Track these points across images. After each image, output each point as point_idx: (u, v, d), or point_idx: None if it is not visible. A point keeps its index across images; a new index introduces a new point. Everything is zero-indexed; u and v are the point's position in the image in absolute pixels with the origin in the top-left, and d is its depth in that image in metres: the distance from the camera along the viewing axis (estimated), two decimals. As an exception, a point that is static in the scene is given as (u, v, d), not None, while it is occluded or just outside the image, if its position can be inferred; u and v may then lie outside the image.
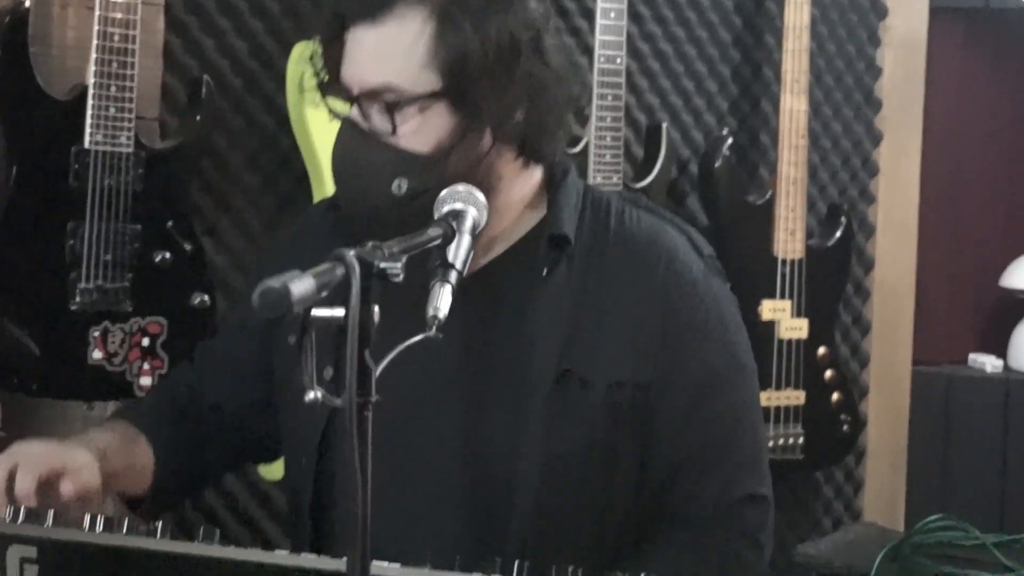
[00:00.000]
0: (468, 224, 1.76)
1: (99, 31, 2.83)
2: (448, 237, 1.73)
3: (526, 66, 1.87)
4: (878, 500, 4.33)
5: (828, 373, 3.90)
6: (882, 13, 4.25)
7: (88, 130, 2.85)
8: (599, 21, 3.47)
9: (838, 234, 3.96)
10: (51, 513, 1.68)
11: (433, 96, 1.85)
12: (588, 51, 3.56)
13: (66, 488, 1.80)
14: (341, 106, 1.96)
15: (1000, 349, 4.55)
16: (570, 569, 1.61)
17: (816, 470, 4.14)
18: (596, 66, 3.47)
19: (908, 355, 4.39)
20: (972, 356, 4.56)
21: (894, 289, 4.34)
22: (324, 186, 3.10)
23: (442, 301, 1.66)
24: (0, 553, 1.64)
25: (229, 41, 3.25)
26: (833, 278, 3.96)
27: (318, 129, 3.10)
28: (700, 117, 3.96)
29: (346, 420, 1.41)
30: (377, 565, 1.46)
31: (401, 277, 1.54)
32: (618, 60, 3.49)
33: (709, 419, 1.96)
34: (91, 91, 2.85)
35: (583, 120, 3.48)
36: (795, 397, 3.79)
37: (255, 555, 1.62)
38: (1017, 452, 4.32)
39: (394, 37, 1.85)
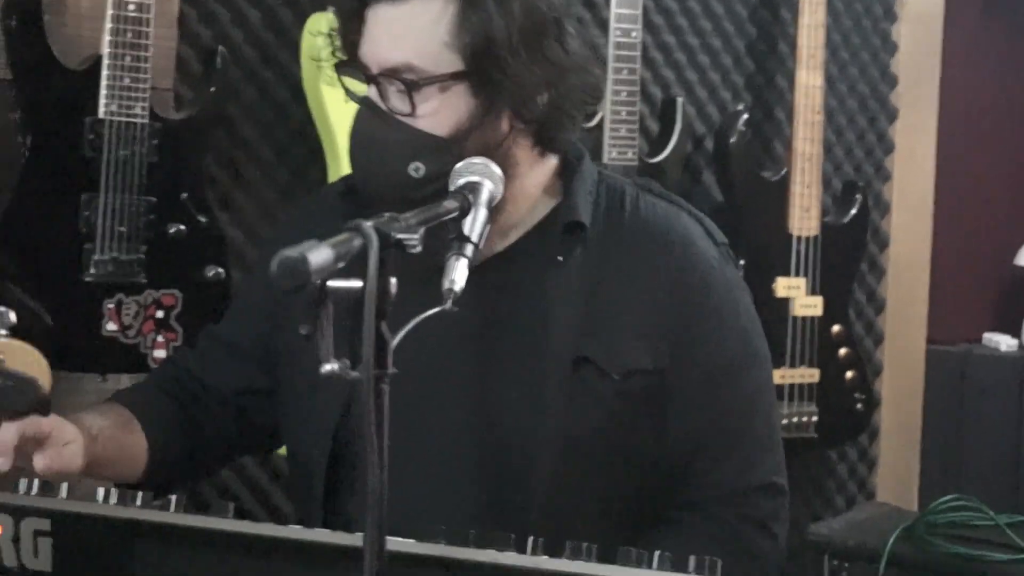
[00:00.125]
0: (484, 197, 1.76)
1: (114, 0, 2.82)
2: (464, 210, 1.72)
3: (547, 51, 1.86)
4: (892, 479, 4.32)
5: (842, 351, 3.89)
6: (898, -12, 4.24)
7: (103, 100, 2.84)
8: (615, -6, 3.46)
9: (853, 211, 3.95)
10: (64, 486, 1.68)
11: (454, 77, 1.84)
12: (603, 25, 3.54)
13: (41, 463, 1.78)
14: (358, 85, 1.94)
15: (1015, 328, 4.54)
16: (584, 546, 1.61)
17: (830, 449, 4.13)
18: (611, 40, 3.46)
19: (923, 333, 4.39)
20: (987, 335, 4.55)
21: (909, 267, 4.33)
22: (339, 159, 3.09)
23: (458, 274, 1.66)
24: (14, 525, 1.64)
25: (243, 11, 3.24)
26: (848, 255, 3.95)
27: (333, 102, 3.09)
28: (715, 92, 3.94)
29: (363, 393, 1.40)
30: (391, 540, 1.45)
31: (419, 248, 1.54)
32: (633, 34, 3.48)
33: (723, 405, 1.97)
34: (105, 61, 2.83)
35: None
36: (809, 375, 3.79)
37: (270, 529, 1.61)
38: (1031, 431, 4.31)
39: (416, 16, 1.84)
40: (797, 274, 3.77)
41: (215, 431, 2.11)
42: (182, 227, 2.96)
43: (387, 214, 1.53)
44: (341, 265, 1.41)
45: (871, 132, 4.24)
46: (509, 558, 1.57)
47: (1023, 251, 4.51)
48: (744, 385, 1.99)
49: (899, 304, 4.32)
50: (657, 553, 1.55)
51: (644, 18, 3.55)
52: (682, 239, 1.97)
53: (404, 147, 1.85)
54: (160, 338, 2.95)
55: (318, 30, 3.04)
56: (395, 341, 1.46)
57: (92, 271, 2.87)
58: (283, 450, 3.15)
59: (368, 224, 1.45)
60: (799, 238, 3.77)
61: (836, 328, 3.86)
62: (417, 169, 1.84)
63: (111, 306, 2.90)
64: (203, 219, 3.00)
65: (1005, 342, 4.48)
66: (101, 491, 1.66)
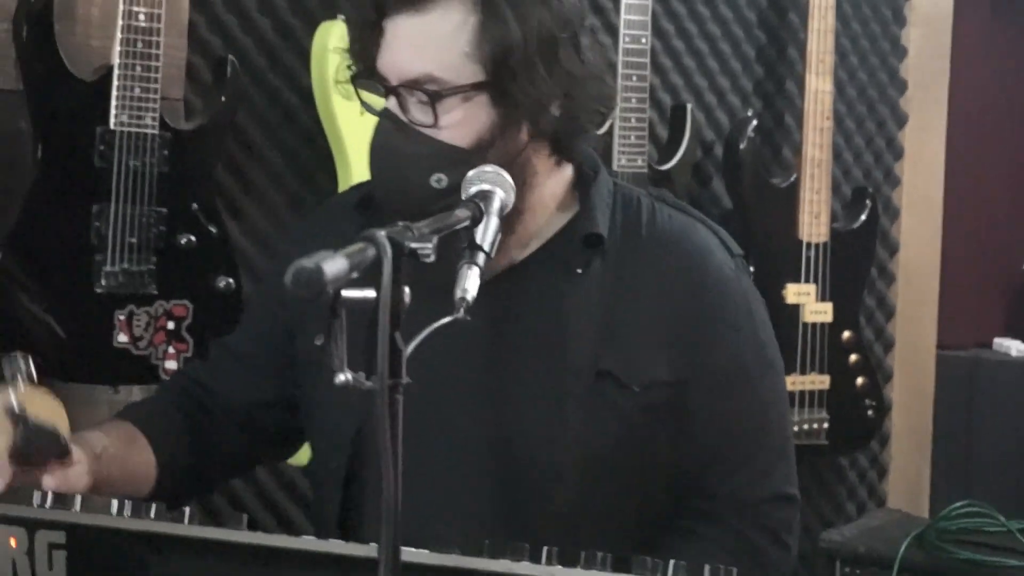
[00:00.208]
0: (496, 205, 1.75)
1: (124, 10, 2.83)
2: (476, 219, 1.72)
3: (564, 61, 1.86)
4: (903, 486, 4.31)
5: (853, 357, 3.88)
6: (908, -7, 4.23)
7: (113, 111, 2.85)
8: (624, 0, 3.45)
9: (863, 217, 3.94)
10: (79, 498, 1.68)
11: (476, 87, 1.84)
12: (613, 31, 3.54)
13: (47, 484, 1.78)
14: (374, 99, 1.94)
15: (1025, 333, 4.53)
16: (599, 555, 1.60)
17: (840, 455, 4.13)
18: (621, 46, 3.45)
19: (933, 339, 4.38)
20: (997, 340, 4.54)
21: (919, 272, 4.32)
22: (348, 168, 3.09)
23: (470, 283, 1.65)
24: (28, 538, 1.64)
25: (253, 19, 3.24)
26: (858, 261, 3.95)
27: (343, 111, 3.09)
28: (724, 98, 3.94)
29: (378, 403, 1.40)
30: (405, 551, 1.45)
31: (432, 257, 1.53)
32: (643, 40, 3.47)
33: (738, 415, 1.97)
34: (116, 71, 2.84)
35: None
36: (820, 381, 3.78)
37: (284, 541, 1.61)
38: (1043, 437, 4.30)
39: (437, 27, 1.84)
40: (807, 280, 3.77)
41: (226, 443, 2.11)
42: (192, 237, 2.96)
43: (400, 223, 1.53)
44: (355, 275, 1.41)
45: (880, 137, 4.23)
46: (523, 568, 1.57)
47: (1033, 256, 4.51)
48: (759, 396, 1.99)
49: (909, 309, 4.31)
50: (672, 562, 1.54)
51: (653, 24, 3.55)
52: (699, 251, 1.98)
53: (426, 159, 1.85)
54: (171, 349, 2.95)
55: (334, 45, 3.06)
56: (408, 350, 1.45)
57: (103, 282, 2.87)
58: (294, 460, 3.18)
59: (382, 234, 1.45)
60: (809, 244, 3.76)
61: (846, 334, 3.86)
62: (439, 180, 1.84)
63: (122, 317, 2.90)
64: (213, 229, 3.00)
65: (1015, 347, 4.48)
66: (115, 503, 1.66)
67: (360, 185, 2.14)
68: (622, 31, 3.45)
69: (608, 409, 1.90)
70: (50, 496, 1.67)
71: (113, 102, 2.84)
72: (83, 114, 2.84)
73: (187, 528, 1.63)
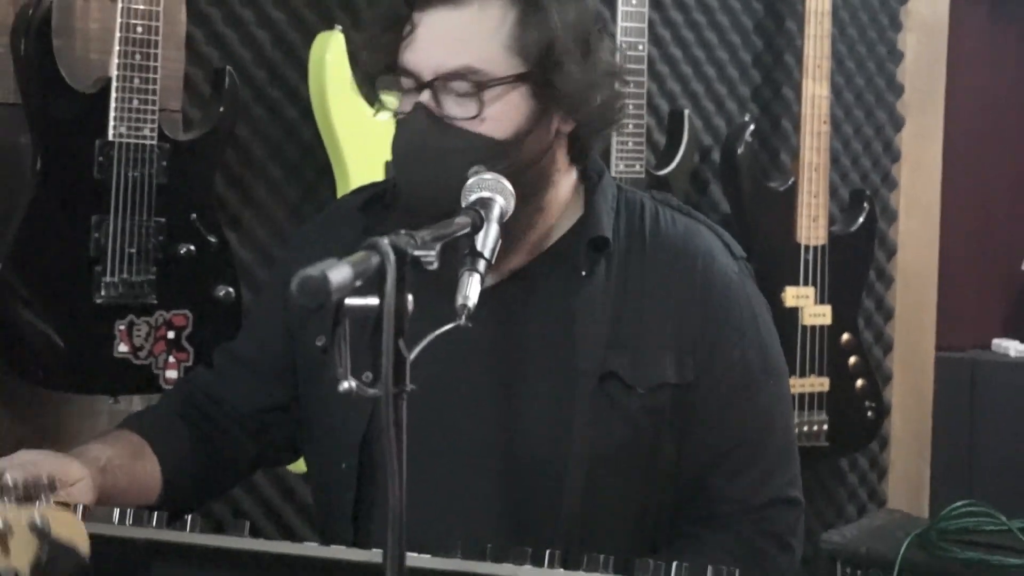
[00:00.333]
0: (496, 213, 1.76)
1: (122, 23, 2.83)
2: (476, 226, 1.73)
3: (598, 51, 1.90)
4: (903, 486, 4.32)
5: (852, 359, 3.88)
6: (904, -3, 4.24)
7: (112, 122, 2.85)
8: (621, 8, 3.46)
9: (861, 220, 3.94)
10: (80, 507, 1.68)
11: (520, 78, 1.85)
12: (609, 38, 3.55)
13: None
14: (391, 100, 1.94)
15: (1024, 334, 4.54)
16: (601, 558, 1.61)
17: (841, 457, 4.13)
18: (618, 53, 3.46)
19: (932, 341, 4.38)
20: (996, 341, 4.54)
21: (917, 274, 4.33)
22: (347, 177, 3.09)
23: (471, 290, 1.66)
24: (33, 547, 1.64)
25: (251, 31, 3.24)
26: (856, 264, 3.95)
27: (341, 120, 3.09)
28: (722, 104, 3.94)
29: (382, 410, 1.40)
30: (409, 556, 1.45)
31: (435, 265, 1.54)
32: (640, 47, 3.48)
33: (742, 419, 1.97)
34: (114, 83, 2.84)
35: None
36: (819, 384, 3.78)
37: (287, 547, 1.62)
38: (1042, 437, 4.31)
39: (476, 20, 1.85)
40: (806, 283, 3.77)
41: (231, 450, 2.11)
42: (192, 247, 2.96)
43: (403, 231, 1.53)
44: (359, 284, 1.42)
45: (878, 141, 4.24)
46: (526, 571, 1.58)
47: (1031, 257, 4.51)
48: (763, 399, 1.99)
49: (908, 312, 4.32)
50: (675, 565, 1.55)
51: (650, 31, 3.56)
52: (703, 253, 1.98)
53: (464, 153, 1.84)
54: (171, 358, 2.95)
55: (327, 48, 3.06)
56: (411, 357, 1.46)
57: (102, 293, 2.87)
58: (294, 467, 3.19)
59: (385, 241, 1.45)
60: (807, 247, 3.77)
61: (845, 337, 3.86)
62: (477, 173, 1.83)
63: (122, 327, 2.90)
64: (213, 239, 3.00)
65: (1014, 348, 4.48)
66: (117, 512, 1.67)
67: (365, 187, 2.15)
68: (619, 38, 3.45)
69: (613, 411, 1.91)
70: (53, 505, 1.68)
71: (112, 114, 2.84)
72: (82, 126, 2.84)
73: (190, 536, 1.64)
